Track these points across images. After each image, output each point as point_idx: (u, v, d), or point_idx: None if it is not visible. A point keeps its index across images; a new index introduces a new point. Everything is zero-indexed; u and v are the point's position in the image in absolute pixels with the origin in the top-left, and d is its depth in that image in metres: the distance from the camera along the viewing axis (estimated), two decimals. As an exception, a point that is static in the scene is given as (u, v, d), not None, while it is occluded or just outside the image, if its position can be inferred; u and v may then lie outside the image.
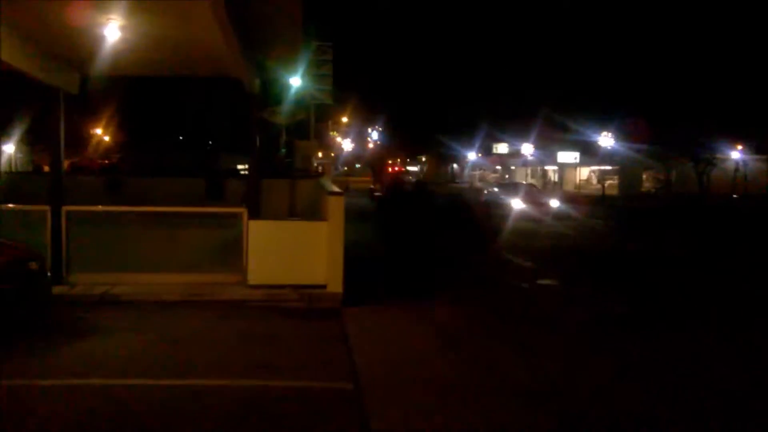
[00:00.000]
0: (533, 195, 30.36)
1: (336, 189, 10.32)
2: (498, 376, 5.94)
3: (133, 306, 8.10)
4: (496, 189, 35.59)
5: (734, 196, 46.82)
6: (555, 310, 9.03)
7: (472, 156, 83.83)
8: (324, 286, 8.75)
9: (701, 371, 6.24)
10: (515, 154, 71.02)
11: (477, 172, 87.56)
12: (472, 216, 23.03)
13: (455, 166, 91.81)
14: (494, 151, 79.45)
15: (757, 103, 42.66)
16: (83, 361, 5.96)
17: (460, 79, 73.49)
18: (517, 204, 27.41)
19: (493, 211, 26.10)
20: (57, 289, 8.31)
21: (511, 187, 33.63)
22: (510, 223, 22.34)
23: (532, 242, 17.12)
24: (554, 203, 28.74)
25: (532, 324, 8.09)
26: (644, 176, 56.17)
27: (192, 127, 50.69)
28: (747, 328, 8.14)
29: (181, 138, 53.99)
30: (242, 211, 9.26)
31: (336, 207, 8.89)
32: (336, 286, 8.64)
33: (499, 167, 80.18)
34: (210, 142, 53.35)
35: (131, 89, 35.13)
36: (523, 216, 25.08)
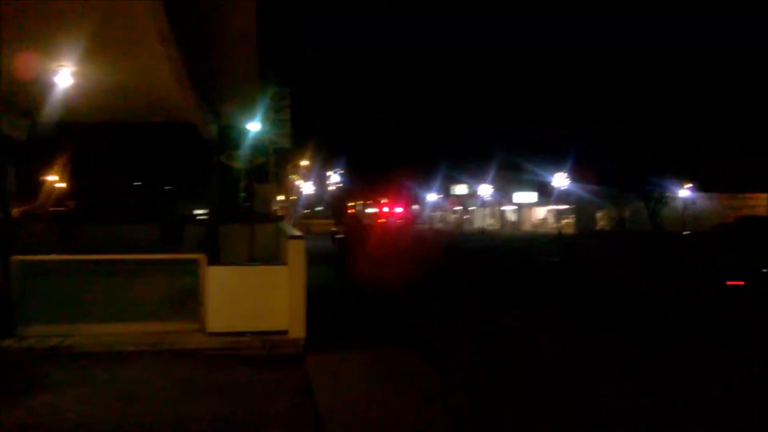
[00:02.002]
0: None
1: (296, 232, 10.27)
2: (466, 425, 5.90)
3: (87, 358, 7.80)
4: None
5: (685, 232, 48.49)
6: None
7: (431, 197, 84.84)
8: (286, 332, 8.61)
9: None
10: (473, 194, 72.20)
11: (437, 213, 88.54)
12: None
13: (415, 207, 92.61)
14: (452, 192, 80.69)
15: (700, 142, 44.96)
16: (31, 420, 5.68)
17: (417, 121, 74.88)
18: None
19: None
20: (5, 342, 7.96)
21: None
22: None
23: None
24: None
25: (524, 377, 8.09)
26: (599, 215, 57.73)
27: (148, 172, 49.97)
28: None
29: (136, 183, 53.12)
30: (200, 257, 9.11)
31: (296, 251, 8.83)
32: (298, 331, 8.52)
33: (458, 208, 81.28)
34: (166, 188, 52.59)
35: (84, 134, 34.57)
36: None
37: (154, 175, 49.85)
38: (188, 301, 9.02)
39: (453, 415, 6.02)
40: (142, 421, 5.75)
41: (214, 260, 9.41)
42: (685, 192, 51.93)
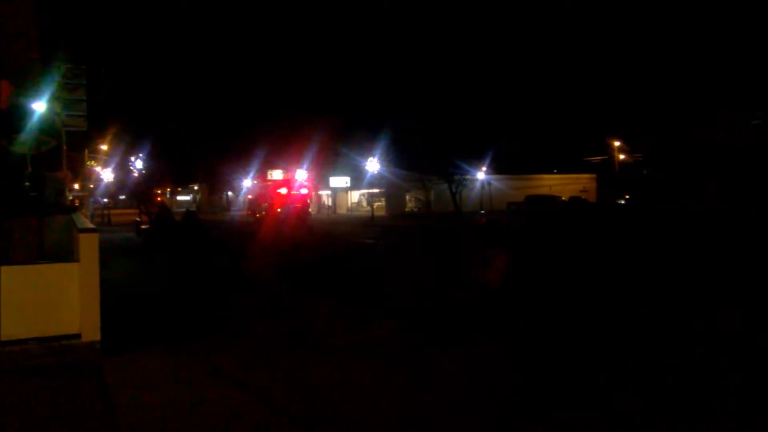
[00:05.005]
0: None
1: (89, 225, 9.34)
2: (278, 411, 5.81)
3: None
4: None
5: (482, 211, 53.14)
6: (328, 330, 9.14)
7: (247, 183, 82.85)
8: (79, 336, 7.77)
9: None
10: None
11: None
12: None
13: (230, 193, 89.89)
14: (269, 177, 79.45)
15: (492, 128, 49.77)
16: None
17: (232, 103, 72.48)
18: None
19: None
20: None
21: None
22: None
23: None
24: None
25: (307, 350, 8.10)
26: (407, 197, 60.85)
27: None
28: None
29: None
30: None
31: (88, 245, 7.97)
32: (93, 334, 7.72)
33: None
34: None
35: None
36: None
37: None
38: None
39: (270, 406, 5.90)
40: None
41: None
42: (482, 175, 56.78)
